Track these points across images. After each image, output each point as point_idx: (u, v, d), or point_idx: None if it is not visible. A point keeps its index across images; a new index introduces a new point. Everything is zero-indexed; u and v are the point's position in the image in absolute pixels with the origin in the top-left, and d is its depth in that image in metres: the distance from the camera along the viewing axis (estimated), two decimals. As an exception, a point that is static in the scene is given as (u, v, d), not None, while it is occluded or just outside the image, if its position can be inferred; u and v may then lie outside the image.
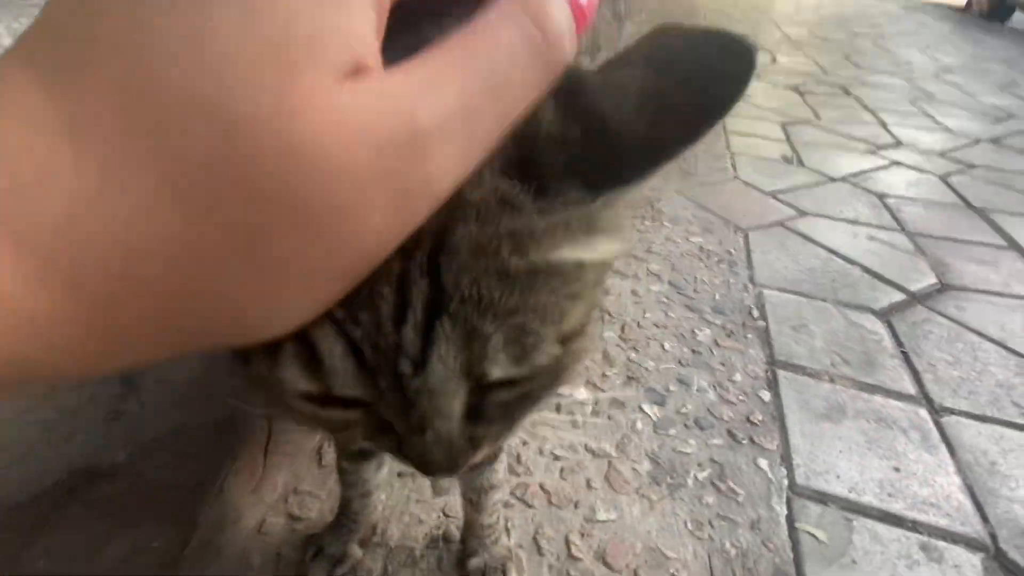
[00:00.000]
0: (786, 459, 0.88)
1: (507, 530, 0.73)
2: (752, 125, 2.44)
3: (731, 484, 0.84)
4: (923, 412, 0.99)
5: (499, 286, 0.19)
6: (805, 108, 2.72)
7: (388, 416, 0.23)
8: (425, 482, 0.82)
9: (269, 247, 0.14)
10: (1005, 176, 2.04)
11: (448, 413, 0.22)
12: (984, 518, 0.81)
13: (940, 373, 1.08)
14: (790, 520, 0.79)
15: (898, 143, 2.31)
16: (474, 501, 0.66)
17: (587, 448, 0.88)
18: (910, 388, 1.04)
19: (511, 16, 0.17)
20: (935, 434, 0.95)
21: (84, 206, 0.12)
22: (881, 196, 1.81)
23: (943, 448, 0.92)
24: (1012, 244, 1.57)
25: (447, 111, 0.15)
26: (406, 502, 0.79)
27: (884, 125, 2.52)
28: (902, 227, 1.62)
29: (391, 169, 0.14)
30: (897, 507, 0.82)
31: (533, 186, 0.19)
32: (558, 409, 0.95)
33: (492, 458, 0.61)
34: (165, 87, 0.13)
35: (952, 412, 0.99)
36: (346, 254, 0.16)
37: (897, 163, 2.09)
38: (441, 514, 0.77)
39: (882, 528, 0.79)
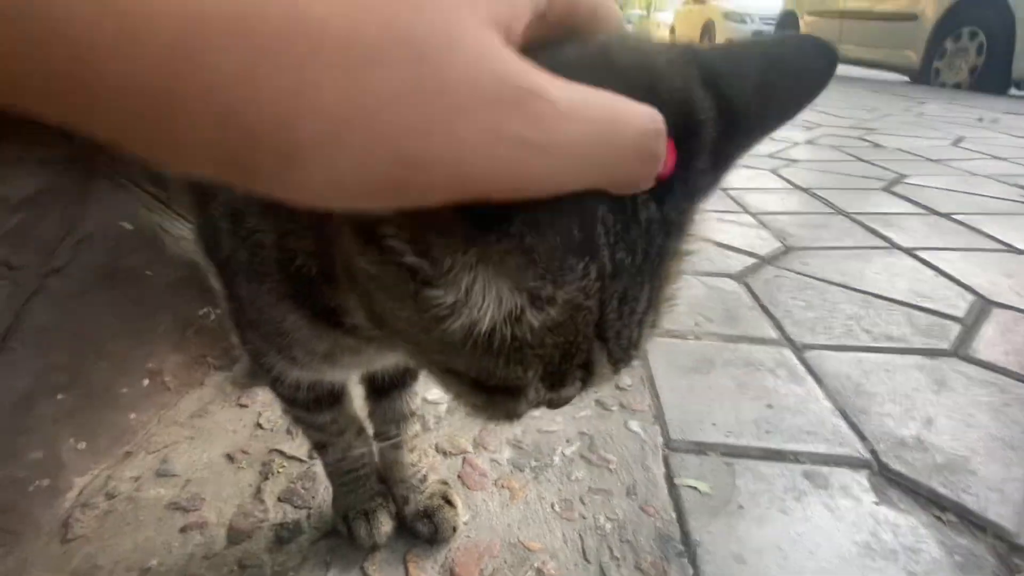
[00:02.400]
0: (659, 417, 0.80)
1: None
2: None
3: (602, 453, 0.73)
4: (787, 351, 0.97)
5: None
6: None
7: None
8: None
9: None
10: (821, 164, 2.30)
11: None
12: (861, 436, 0.77)
13: (797, 316, 1.08)
14: (669, 478, 0.69)
15: (733, 151, 2.56)
16: (392, 435, 0.61)
17: (438, 449, 0.74)
18: (772, 333, 1.03)
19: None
20: (800, 368, 0.92)
21: None
22: (724, 189, 1.94)
23: (810, 379, 0.89)
24: (837, 210, 1.72)
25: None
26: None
27: (720, 140, 2.80)
28: (745, 209, 1.73)
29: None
30: (776, 442, 0.75)
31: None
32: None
33: (414, 377, 0.60)
34: None
35: (812, 347, 0.98)
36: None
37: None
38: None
39: (765, 466, 0.72)
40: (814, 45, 0.24)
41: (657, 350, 0.96)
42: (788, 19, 7.68)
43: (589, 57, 0.21)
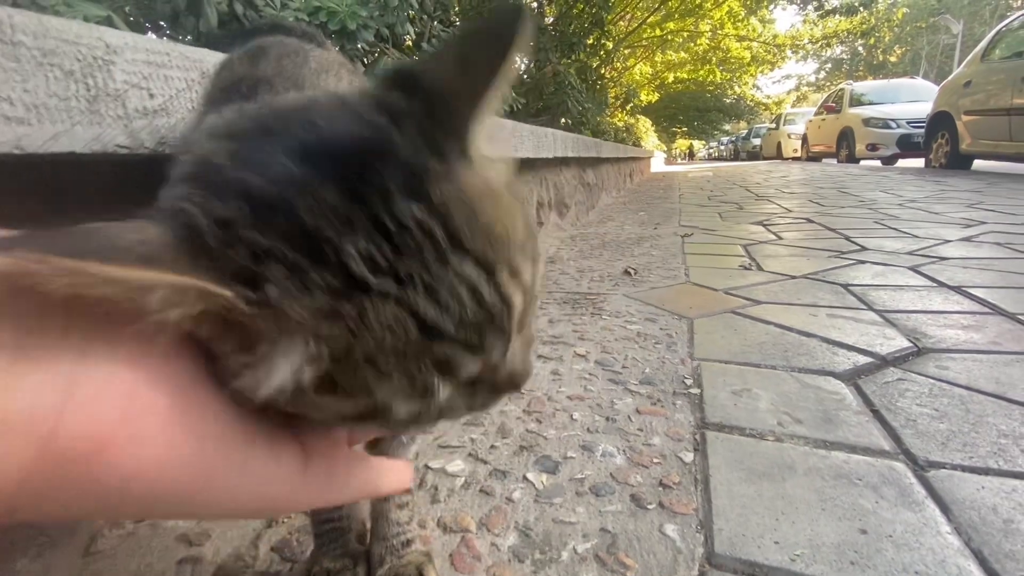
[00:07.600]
0: (706, 524, 0.65)
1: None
2: (711, 248, 2.48)
3: (622, 557, 0.60)
4: (900, 466, 0.75)
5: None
6: (768, 234, 2.79)
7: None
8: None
9: None
10: (980, 262, 1.93)
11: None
12: (1006, 594, 0.55)
13: (923, 427, 0.86)
14: (701, 601, 0.54)
15: (862, 248, 2.28)
16: None
17: (439, 523, 0.68)
18: (884, 444, 0.82)
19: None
20: (919, 489, 0.70)
21: None
22: (845, 285, 1.71)
23: (931, 505, 0.67)
24: (996, 310, 1.40)
25: None
26: None
27: (848, 238, 2.53)
28: (869, 306, 1.49)
29: None
30: (865, 579, 0.56)
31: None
32: (420, 485, 0.76)
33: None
34: None
35: (942, 466, 0.76)
36: None
37: (862, 262, 2.03)
38: None
39: (843, 609, 0.53)
40: (505, 9, 0.26)
41: (720, 447, 0.81)
42: (942, 120, 7.05)
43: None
